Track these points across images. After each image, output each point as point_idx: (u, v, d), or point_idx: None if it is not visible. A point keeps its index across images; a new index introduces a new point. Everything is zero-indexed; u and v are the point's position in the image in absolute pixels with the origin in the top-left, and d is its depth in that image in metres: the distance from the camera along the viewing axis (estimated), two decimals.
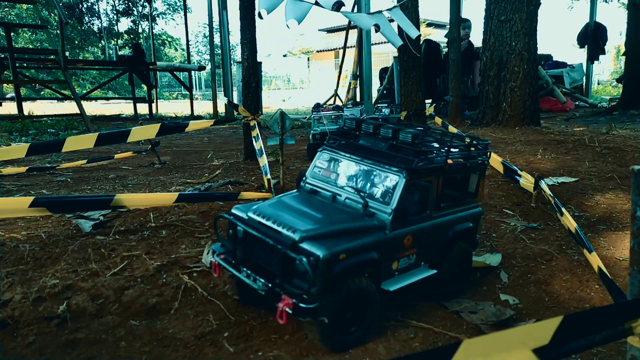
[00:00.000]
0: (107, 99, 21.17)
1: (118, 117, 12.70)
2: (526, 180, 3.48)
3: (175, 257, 2.46)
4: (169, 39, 36.90)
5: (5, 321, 1.89)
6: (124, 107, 17.11)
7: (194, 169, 4.86)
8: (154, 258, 2.43)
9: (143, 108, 14.02)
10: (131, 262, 2.38)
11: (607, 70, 33.05)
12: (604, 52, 13.69)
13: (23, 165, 4.75)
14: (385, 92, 11.53)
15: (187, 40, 16.34)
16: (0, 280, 2.14)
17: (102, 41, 30.34)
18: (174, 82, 32.00)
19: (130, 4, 30.16)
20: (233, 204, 2.94)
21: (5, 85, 14.90)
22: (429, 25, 28.38)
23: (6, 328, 1.87)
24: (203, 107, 17.59)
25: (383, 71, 12.85)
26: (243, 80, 4.66)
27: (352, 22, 11.20)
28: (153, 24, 28.21)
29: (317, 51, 35.11)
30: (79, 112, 9.14)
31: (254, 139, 4.12)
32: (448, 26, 8.74)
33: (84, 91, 20.13)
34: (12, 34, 10.71)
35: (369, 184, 2.01)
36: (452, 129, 5.02)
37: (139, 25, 31.78)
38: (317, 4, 4.48)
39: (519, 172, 3.63)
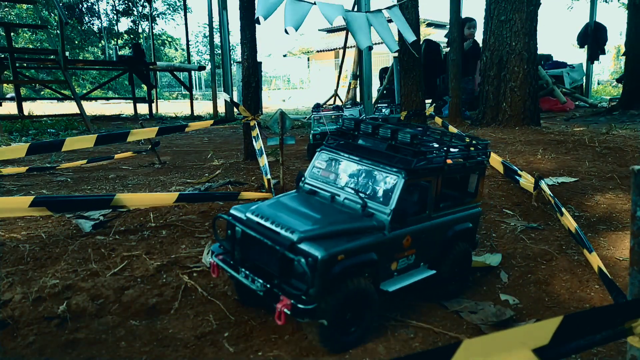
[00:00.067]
0: (107, 99, 21.18)
1: (118, 117, 12.70)
2: (526, 180, 3.48)
3: (175, 257, 2.46)
4: (169, 39, 36.92)
5: (5, 321, 1.89)
6: (124, 107, 17.11)
7: (194, 169, 4.86)
8: (154, 258, 2.43)
9: (143, 108, 14.02)
10: (131, 262, 2.38)
11: (607, 70, 33.04)
12: (604, 52, 13.69)
13: (23, 165, 4.75)
14: (385, 92, 11.53)
15: (187, 40, 16.34)
16: (0, 280, 2.14)
17: (102, 41, 30.35)
18: (174, 82, 32.01)
19: (130, 4, 30.17)
20: (233, 204, 2.93)
21: (5, 85, 14.90)
22: (429, 25, 28.38)
23: (6, 328, 1.87)
24: (203, 107, 17.59)
25: (383, 71, 12.84)
26: (243, 80, 4.66)
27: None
28: (153, 24, 28.20)
29: (317, 51, 35.11)
30: (79, 112, 9.14)
31: (254, 139, 4.12)
32: (448, 26, 8.74)
33: (84, 91, 20.14)
34: (12, 34, 10.71)
35: (367, 184, 2.01)
36: (452, 129, 5.02)
37: (139, 25, 31.81)
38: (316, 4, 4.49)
39: (519, 172, 3.63)
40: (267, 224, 1.84)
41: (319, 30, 37.41)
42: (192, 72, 16.15)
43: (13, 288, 2.08)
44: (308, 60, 37.67)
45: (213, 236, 2.72)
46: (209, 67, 21.91)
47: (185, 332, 1.93)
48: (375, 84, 11.67)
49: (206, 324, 1.99)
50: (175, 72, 16.32)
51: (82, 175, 4.53)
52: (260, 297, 1.78)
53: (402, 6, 6.10)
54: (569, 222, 2.66)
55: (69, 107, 12.55)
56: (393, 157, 1.98)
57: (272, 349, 1.82)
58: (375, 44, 5.41)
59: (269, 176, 3.51)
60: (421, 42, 8.61)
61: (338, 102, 11.73)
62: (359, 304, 1.80)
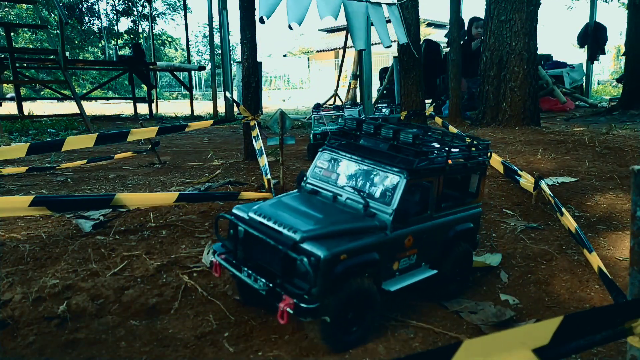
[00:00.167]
0: (107, 99, 21.18)
1: (118, 117, 12.71)
2: (526, 180, 3.48)
3: (175, 257, 2.46)
4: (169, 39, 36.92)
5: (5, 321, 1.89)
6: (124, 107, 17.11)
7: (194, 169, 4.86)
8: (154, 258, 2.43)
9: (143, 108, 14.02)
10: (131, 262, 2.38)
11: (607, 70, 33.06)
12: (604, 52, 13.69)
13: (23, 165, 4.75)
14: (385, 92, 11.53)
15: (187, 40, 16.34)
16: (0, 280, 2.14)
17: (102, 41, 30.35)
18: (174, 82, 32.00)
19: (130, 4, 30.17)
20: (233, 204, 2.94)
21: (5, 85, 14.90)
22: (429, 25, 28.40)
23: (6, 328, 1.87)
24: (203, 107, 17.59)
25: (383, 71, 12.85)
26: (243, 80, 4.66)
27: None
28: (153, 24, 28.21)
29: (317, 51, 35.11)
30: (79, 112, 9.14)
31: (254, 139, 4.12)
32: (448, 26, 8.74)
33: (84, 91, 20.13)
34: (12, 34, 10.71)
35: (369, 184, 2.01)
36: (452, 129, 5.03)
37: (139, 25, 31.81)
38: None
39: (519, 172, 3.63)
40: (270, 224, 1.84)
41: (319, 30, 37.41)
42: (192, 72, 16.16)
43: (13, 288, 2.08)
44: (308, 60, 37.67)
45: (213, 236, 2.72)
46: (209, 67, 21.92)
47: (185, 332, 1.93)
48: (375, 84, 11.67)
49: (206, 324, 1.99)
50: (175, 72, 16.33)
51: (82, 175, 4.53)
52: (262, 296, 1.79)
53: (402, 6, 6.10)
54: (569, 222, 2.66)
55: (69, 107, 12.55)
56: (395, 157, 1.99)
57: (272, 349, 1.83)
58: (375, 44, 5.42)
59: (269, 176, 3.51)
60: (421, 42, 8.60)
61: (338, 102, 11.73)
62: (361, 303, 1.81)
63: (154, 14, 30.66)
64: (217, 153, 5.88)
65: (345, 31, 12.04)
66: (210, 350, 1.83)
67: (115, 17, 31.54)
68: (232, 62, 12.78)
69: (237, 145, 6.61)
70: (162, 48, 35.96)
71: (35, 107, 13.44)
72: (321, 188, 2.15)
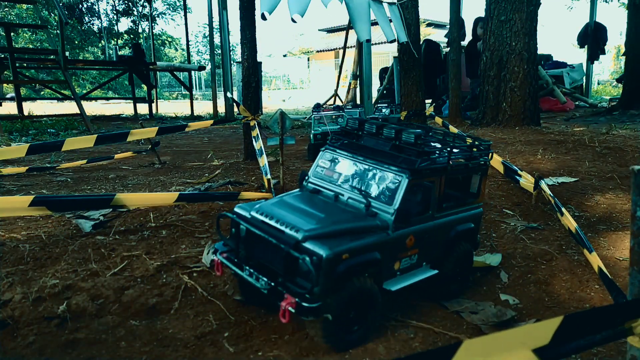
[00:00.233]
0: (107, 99, 21.19)
1: (118, 117, 12.71)
2: (526, 180, 3.48)
3: (175, 257, 2.46)
4: (169, 39, 36.92)
5: (5, 321, 1.89)
6: (124, 107, 17.12)
7: (194, 169, 4.86)
8: (154, 258, 2.43)
9: (143, 108, 14.03)
10: (131, 262, 2.38)
11: (607, 70, 33.07)
12: (604, 52, 13.71)
13: (23, 165, 4.75)
14: (385, 92, 11.54)
15: (187, 40, 16.35)
16: (0, 280, 2.14)
17: (102, 41, 30.35)
18: (174, 82, 32.01)
19: (130, 4, 30.17)
20: (233, 204, 2.93)
21: (5, 85, 14.91)
22: (429, 25, 28.40)
23: (6, 328, 1.87)
24: (203, 107, 17.60)
25: (383, 71, 12.86)
26: (243, 80, 4.66)
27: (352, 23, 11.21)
28: (153, 24, 28.21)
29: (317, 51, 35.11)
30: (79, 112, 9.15)
31: (254, 139, 4.12)
32: (448, 26, 8.74)
33: (84, 91, 20.13)
34: (12, 34, 10.71)
35: (371, 184, 2.01)
36: (452, 129, 5.03)
37: (139, 25, 31.80)
38: None
39: (519, 172, 3.63)
40: (272, 223, 1.84)
41: (319, 30, 37.44)
42: (192, 72, 16.16)
43: (13, 288, 2.08)
44: (308, 60, 37.67)
45: (213, 236, 2.73)
46: (209, 67, 21.92)
47: (185, 332, 1.93)
48: (375, 84, 11.68)
49: (206, 324, 1.99)
50: (175, 72, 16.33)
51: (82, 175, 4.53)
52: (264, 295, 1.79)
53: (402, 6, 6.10)
54: (569, 222, 2.66)
55: (69, 107, 12.56)
56: (397, 157, 1.99)
57: (272, 349, 1.83)
58: (375, 43, 5.43)
59: (269, 176, 3.51)
60: (421, 42, 8.60)
61: (338, 102, 11.73)
62: (363, 303, 1.81)
63: (154, 14, 30.67)
64: (217, 153, 5.88)
65: (345, 31, 12.04)
66: (210, 350, 1.83)
67: (115, 17, 31.56)
68: (232, 62, 12.79)
69: (237, 145, 6.61)
70: (162, 48, 35.97)
71: (35, 107, 13.45)
72: (323, 187, 2.16)
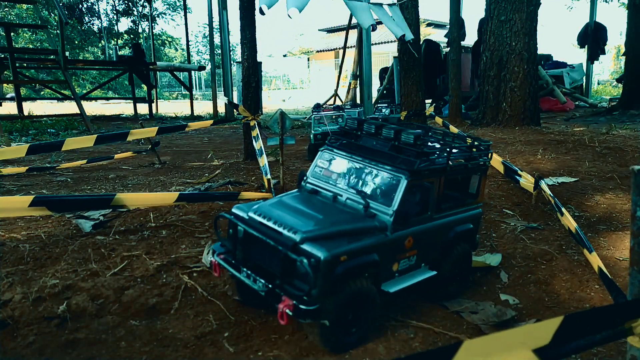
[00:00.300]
0: (107, 99, 21.18)
1: (118, 117, 12.71)
2: (526, 180, 3.48)
3: (175, 257, 2.46)
4: (169, 39, 36.90)
5: (5, 321, 1.89)
6: (124, 107, 17.11)
7: (194, 169, 4.86)
8: (154, 258, 2.43)
9: (143, 108, 14.03)
10: (131, 262, 2.38)
11: (607, 70, 33.07)
12: (604, 52, 13.72)
13: (23, 165, 4.75)
14: (385, 92, 11.55)
15: (187, 40, 16.35)
16: (0, 280, 2.14)
17: (102, 41, 30.34)
18: (174, 82, 32.00)
19: (130, 4, 30.16)
20: (233, 204, 2.93)
21: (5, 85, 14.91)
22: (429, 25, 28.39)
23: (6, 328, 1.87)
24: (203, 107, 17.59)
25: (383, 71, 12.87)
26: (243, 80, 4.66)
27: (352, 22, 11.21)
28: (153, 24, 28.19)
29: (317, 51, 35.09)
30: (79, 112, 9.15)
31: (254, 139, 4.12)
32: (448, 26, 8.74)
33: (84, 91, 20.13)
34: (12, 34, 10.71)
35: (370, 185, 2.00)
36: (452, 129, 5.03)
37: (139, 25, 31.78)
38: None
39: (519, 172, 3.63)
40: (270, 224, 1.83)
41: (319, 30, 37.43)
42: (192, 72, 16.17)
43: (13, 288, 2.08)
44: (308, 60, 37.65)
45: (213, 236, 2.72)
46: (209, 67, 21.92)
47: (185, 332, 1.93)
48: (375, 84, 11.69)
49: (206, 324, 1.99)
50: (175, 72, 16.33)
51: (82, 175, 4.53)
52: (261, 297, 1.78)
53: (402, 6, 6.10)
54: (569, 222, 2.66)
55: (69, 107, 12.56)
56: (396, 158, 1.97)
57: (272, 349, 1.82)
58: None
59: (269, 176, 3.51)
60: (421, 42, 8.60)
61: (338, 102, 11.73)
62: (361, 304, 1.80)
63: (154, 14, 30.65)
64: (217, 153, 5.88)
65: (345, 31, 12.04)
66: (210, 350, 1.83)
67: (115, 17, 31.53)
68: (232, 62, 12.80)
69: (237, 145, 6.61)
70: (162, 48, 35.94)
71: (35, 107, 13.44)
72: (321, 188, 2.14)
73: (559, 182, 3.89)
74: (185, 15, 16.43)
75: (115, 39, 31.29)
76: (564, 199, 3.48)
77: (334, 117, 5.40)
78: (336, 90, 12.05)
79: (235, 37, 40.67)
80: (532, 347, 0.83)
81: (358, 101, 10.63)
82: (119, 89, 29.53)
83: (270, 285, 1.75)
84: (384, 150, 2.04)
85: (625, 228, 3.10)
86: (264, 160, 3.67)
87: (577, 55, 35.26)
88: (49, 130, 8.59)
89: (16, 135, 7.74)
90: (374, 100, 10.10)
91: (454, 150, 2.10)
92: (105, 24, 31.43)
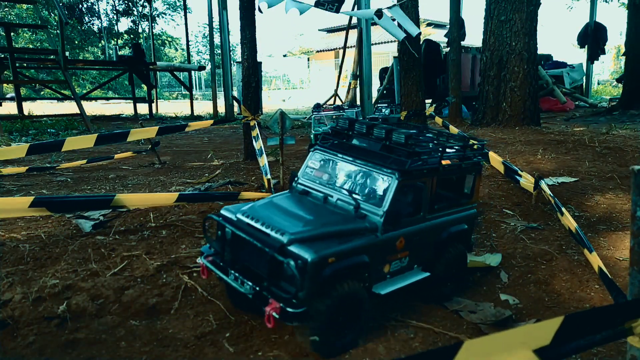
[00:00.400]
0: (107, 99, 21.17)
1: (118, 117, 12.71)
2: (526, 180, 3.48)
3: (175, 257, 2.46)
4: (169, 39, 36.90)
5: (5, 321, 1.89)
6: (124, 107, 17.11)
7: (194, 169, 4.86)
8: (154, 258, 2.43)
9: (143, 108, 14.03)
10: (131, 262, 2.38)
11: (607, 70, 33.08)
12: (604, 52, 13.72)
13: (23, 165, 4.75)
14: (385, 92, 11.55)
15: (187, 40, 16.36)
16: (0, 280, 2.14)
17: (102, 41, 30.33)
18: (174, 82, 31.99)
19: (130, 4, 30.16)
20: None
21: (5, 85, 14.91)
22: (429, 25, 28.38)
23: (6, 328, 1.87)
24: (203, 107, 17.59)
25: (383, 71, 12.87)
26: (243, 80, 4.66)
27: (352, 22, 11.21)
28: (153, 24, 28.19)
29: (317, 51, 35.10)
30: (79, 112, 9.15)
31: (254, 139, 4.12)
32: (448, 26, 8.74)
33: (84, 91, 20.12)
34: (12, 34, 10.71)
35: (361, 185, 1.97)
36: (452, 129, 5.03)
37: (139, 25, 31.78)
38: (317, 4, 4.47)
39: (519, 172, 3.63)
40: (257, 225, 1.80)
41: (319, 30, 37.45)
42: (192, 72, 16.17)
43: (13, 288, 2.08)
44: (308, 60, 37.65)
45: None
46: (209, 67, 21.92)
47: (185, 332, 1.93)
48: (375, 84, 11.68)
49: (206, 324, 1.99)
50: (175, 72, 16.33)
51: (82, 175, 4.53)
52: (249, 299, 1.75)
53: (402, 6, 6.10)
54: (569, 222, 2.66)
55: (69, 107, 12.55)
56: (387, 158, 1.95)
57: (272, 349, 1.82)
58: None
59: (269, 176, 3.51)
60: (421, 42, 8.60)
61: (338, 102, 11.73)
62: (351, 307, 1.76)
63: (153, 14, 30.65)
64: (217, 153, 5.88)
65: (345, 31, 12.04)
66: (210, 350, 1.83)
67: (115, 17, 31.53)
68: (232, 62, 12.80)
69: (237, 145, 6.61)
70: (162, 48, 35.94)
71: (35, 107, 13.44)
72: (312, 188, 2.11)
73: (559, 182, 3.89)
74: (185, 15, 16.43)
75: (115, 39, 31.28)
76: (564, 199, 3.48)
77: (334, 117, 5.40)
78: (336, 90, 12.04)
79: (235, 37, 40.70)
80: (533, 347, 0.83)
81: (358, 101, 10.63)
82: (119, 89, 29.53)
83: (257, 288, 1.72)
84: (375, 151, 2.01)
85: (625, 228, 3.10)
86: (264, 160, 3.67)
87: (577, 55, 35.28)
88: (49, 130, 8.59)
89: (16, 135, 7.74)
90: (374, 100, 10.10)
91: (447, 150, 2.08)
92: (105, 24, 31.44)
